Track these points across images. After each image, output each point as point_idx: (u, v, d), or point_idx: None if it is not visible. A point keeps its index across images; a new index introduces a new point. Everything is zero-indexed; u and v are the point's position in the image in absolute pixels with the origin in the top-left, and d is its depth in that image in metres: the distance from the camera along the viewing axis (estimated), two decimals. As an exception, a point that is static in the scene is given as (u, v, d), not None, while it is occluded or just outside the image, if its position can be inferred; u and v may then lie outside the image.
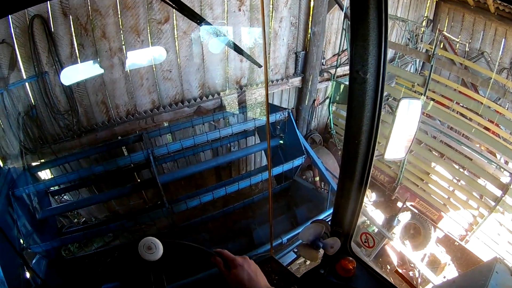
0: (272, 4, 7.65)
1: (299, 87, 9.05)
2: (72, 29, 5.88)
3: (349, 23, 7.00)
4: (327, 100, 9.66)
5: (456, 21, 11.36)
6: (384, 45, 1.57)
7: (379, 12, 1.49)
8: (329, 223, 2.28)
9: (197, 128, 7.46)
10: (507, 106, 8.94)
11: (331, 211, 5.70)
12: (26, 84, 6.11)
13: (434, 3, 11.48)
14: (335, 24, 9.19)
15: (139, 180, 7.77)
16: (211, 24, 3.88)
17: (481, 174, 7.24)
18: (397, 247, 7.65)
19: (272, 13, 7.77)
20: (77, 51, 6.08)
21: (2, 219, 4.91)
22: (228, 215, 6.62)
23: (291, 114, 6.57)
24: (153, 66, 6.87)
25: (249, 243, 5.93)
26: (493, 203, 6.98)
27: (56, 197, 6.80)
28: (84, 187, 7.08)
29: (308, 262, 6.48)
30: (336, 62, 8.97)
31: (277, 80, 8.64)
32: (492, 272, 4.37)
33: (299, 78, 8.87)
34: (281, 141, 6.95)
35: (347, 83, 6.91)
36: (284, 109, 6.56)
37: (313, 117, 9.81)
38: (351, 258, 2.15)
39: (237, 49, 4.76)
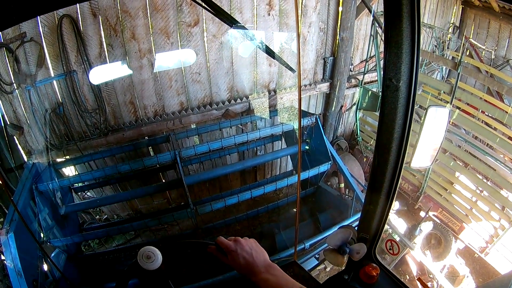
0: (301, 9, 7.59)
1: (326, 92, 8.99)
2: (102, 29, 5.94)
3: (378, 29, 6.96)
4: (354, 107, 9.60)
5: (482, 28, 11.16)
6: (417, 53, 1.59)
7: (412, 20, 1.51)
8: (356, 229, 2.27)
9: (224, 131, 7.53)
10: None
11: (355, 218, 5.68)
12: (54, 82, 6.17)
13: (460, 9, 11.35)
14: (363, 30, 9.11)
15: (164, 180, 7.82)
16: (245, 27, 3.88)
17: (504, 185, 7.12)
18: (418, 256, 7.54)
19: (301, 18, 7.70)
20: (106, 51, 6.14)
21: (24, 212, 4.99)
22: (251, 218, 6.64)
23: (318, 119, 6.54)
24: (182, 68, 6.87)
25: (272, 247, 5.89)
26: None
27: (80, 194, 6.88)
28: (108, 185, 7.13)
29: (328, 269, 6.49)
30: (363, 68, 8.91)
31: (305, 86, 8.58)
32: (510, 284, 4.37)
33: (327, 83, 8.79)
34: (307, 147, 6.91)
35: (374, 89, 6.87)
36: (311, 114, 6.55)
37: (340, 124, 9.73)
38: (375, 265, 2.17)
39: (270, 52, 4.76)
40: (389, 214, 2.07)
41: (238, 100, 7.69)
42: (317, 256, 5.32)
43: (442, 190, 8.23)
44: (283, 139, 7.67)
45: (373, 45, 8.12)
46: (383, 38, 7.98)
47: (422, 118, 2.08)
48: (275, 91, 8.05)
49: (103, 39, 6.04)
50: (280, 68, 7.71)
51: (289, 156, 8.06)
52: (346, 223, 5.52)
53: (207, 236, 6.25)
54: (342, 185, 7.33)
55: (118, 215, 8.10)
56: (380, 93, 6.94)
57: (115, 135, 6.78)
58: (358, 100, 8.23)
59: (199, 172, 7.57)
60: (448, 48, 10.17)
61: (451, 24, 11.36)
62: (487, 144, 7.94)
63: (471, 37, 11.05)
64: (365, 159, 9.40)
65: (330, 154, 6.44)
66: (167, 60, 6.72)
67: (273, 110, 7.88)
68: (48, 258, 5.10)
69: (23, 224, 4.81)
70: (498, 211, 7.28)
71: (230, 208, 6.04)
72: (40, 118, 6.28)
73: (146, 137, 7.06)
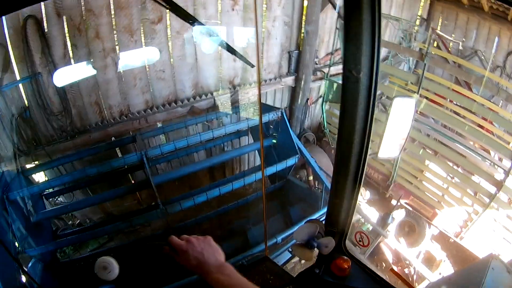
0: (266, 4, 7.66)
1: (292, 86, 9.05)
2: (66, 29, 5.91)
3: (342, 22, 7.05)
4: (320, 99, 9.74)
5: (450, 20, 11.33)
6: (378, 44, 1.59)
7: (372, 12, 1.51)
8: (324, 222, 2.30)
9: (191, 129, 7.44)
10: (500, 103, 8.99)
11: (325, 210, 5.79)
12: (20, 85, 6.12)
13: (428, 2, 11.56)
14: (329, 23, 9.15)
15: (133, 181, 7.76)
16: (203, 25, 3.93)
17: (475, 171, 7.28)
18: (392, 245, 7.60)
19: (265, 12, 7.79)
20: (70, 51, 6.11)
21: None
22: (222, 215, 6.68)
23: (284, 113, 6.59)
24: (146, 66, 6.90)
25: (244, 243, 6.00)
26: (487, 200, 6.99)
27: (50, 200, 6.79)
28: (78, 189, 7.06)
29: (303, 262, 6.55)
30: (329, 61, 9.09)
31: (270, 80, 8.64)
32: (488, 268, 4.35)
33: (292, 77, 8.87)
34: (274, 141, 6.94)
35: (340, 82, 6.96)
36: (277, 108, 6.61)
37: (307, 116, 9.82)
38: (346, 258, 2.17)
39: (230, 49, 4.82)
40: (359, 204, 2.09)
41: (203, 97, 7.71)
42: (290, 249, 5.30)
43: (412, 178, 8.35)
44: (249, 134, 7.66)
45: (338, 38, 8.26)
46: None
47: (388, 109, 2.13)
48: (240, 86, 8.10)
49: (68, 39, 6.03)
50: (244, 63, 7.61)
51: (256, 151, 8.13)
52: (316, 215, 5.59)
53: (179, 236, 6.15)
54: (311, 177, 7.46)
55: (90, 219, 8.00)
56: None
57: (82, 137, 6.75)
58: (324, 93, 8.36)
59: (167, 171, 7.59)
60: (415, 40, 10.32)
61: (418, 17, 11.57)
62: (456, 132, 8.07)
63: (439, 29, 11.23)
64: (333, 150, 9.37)
65: (297, 148, 6.48)
66: (131, 58, 6.69)
67: (238, 106, 7.95)
68: (23, 270, 5.01)
69: None
70: (470, 197, 7.46)
71: (200, 206, 6.04)
72: (7, 124, 6.16)
73: (113, 138, 7.04)
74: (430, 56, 7.50)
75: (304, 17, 8.29)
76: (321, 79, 9.39)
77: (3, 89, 5.97)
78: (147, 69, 6.97)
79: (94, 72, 6.38)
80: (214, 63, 7.64)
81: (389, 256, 7.62)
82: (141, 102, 7.21)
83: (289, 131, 6.57)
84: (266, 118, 6.45)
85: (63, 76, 6.02)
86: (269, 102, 8.87)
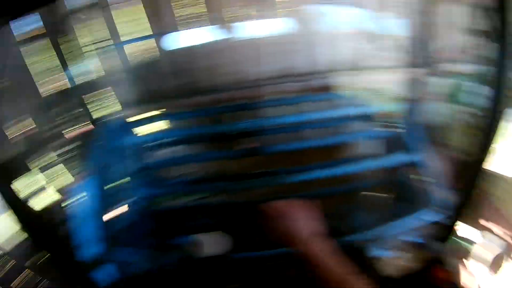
0: None
1: (415, 78, 8.67)
2: None
3: None
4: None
5: None
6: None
7: None
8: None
9: (307, 106, 7.42)
10: None
11: (423, 213, 5.65)
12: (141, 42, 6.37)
13: None
14: (454, 18, 8.59)
15: (242, 147, 7.88)
16: None
17: None
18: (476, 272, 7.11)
19: None
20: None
21: (103, 161, 5.24)
22: (328, 196, 6.26)
23: (414, 108, 6.36)
24: (270, 36, 6.83)
25: (343, 227, 5.94)
26: None
27: (159, 150, 7.14)
28: (188, 144, 7.32)
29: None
30: (451, 59, 8.63)
31: (388, 67, 8.32)
32: None
33: (414, 69, 8.50)
34: (400, 130, 6.79)
35: (459, 81, 6.59)
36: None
37: (424, 114, 9.38)
38: (445, 268, 2.25)
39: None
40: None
41: (323, 74, 7.17)
42: (384, 246, 5.31)
43: None
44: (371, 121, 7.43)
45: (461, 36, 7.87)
46: (475, 32, 7.71)
47: None
48: (365, 69, 7.81)
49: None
50: (376, 46, 7.41)
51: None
52: (415, 215, 5.47)
53: None
54: (424, 178, 7.12)
55: (194, 172, 8.29)
56: (463, 84, 6.53)
57: (194, 98, 6.82)
58: (444, 91, 8.04)
59: (279, 142, 7.60)
60: None
61: None
62: None
63: None
64: (444, 152, 9.00)
65: (419, 144, 6.32)
66: (257, 27, 6.73)
67: (364, 89, 7.68)
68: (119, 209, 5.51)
69: (98, 176, 5.16)
70: None
71: (308, 183, 6.15)
72: (128, 74, 6.52)
73: (232, 102, 7.15)
74: None
75: None
76: (441, 76, 8.97)
77: (124, 43, 6.33)
78: (274, 39, 6.93)
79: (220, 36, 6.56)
80: (336, 41, 7.35)
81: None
82: (265, 71, 7.06)
83: (420, 124, 6.16)
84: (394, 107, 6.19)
85: (181, 39, 6.42)
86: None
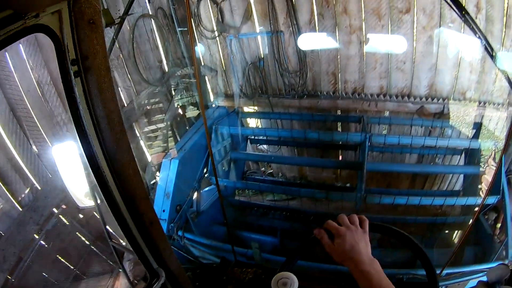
0: (505, 19, 7.17)
1: None
2: None
3: None
4: None
5: None
6: None
7: None
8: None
9: (413, 130, 7.41)
10: None
11: (494, 264, 5.50)
12: (258, 37, 6.82)
13: None
14: None
15: (340, 158, 8.01)
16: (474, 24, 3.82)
17: None
18: None
19: (505, 29, 7.33)
20: (316, 19, 6.54)
21: (197, 147, 5.57)
22: (407, 224, 6.51)
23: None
24: (389, 53, 6.92)
25: (412, 260, 5.61)
26: None
27: (254, 145, 7.48)
28: (285, 145, 7.46)
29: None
30: None
31: (499, 104, 7.57)
32: None
33: None
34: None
35: None
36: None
37: None
38: None
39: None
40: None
41: (435, 100, 7.46)
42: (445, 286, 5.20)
43: None
44: (462, 155, 7.17)
45: None
46: None
47: None
48: (470, 101, 7.54)
49: (315, 8, 6.47)
50: (481, 78, 7.23)
51: (463, 175, 7.59)
52: (485, 266, 5.13)
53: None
54: (499, 225, 7.05)
55: (283, 174, 8.45)
56: None
57: (310, 100, 7.20)
58: None
59: (379, 161, 7.52)
60: None
61: None
62: None
63: None
64: None
65: (501, 188, 6.10)
66: (377, 42, 6.77)
67: (467, 123, 7.68)
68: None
69: (192, 153, 5.47)
70: None
71: (391, 206, 6.12)
72: (237, 66, 7.00)
73: (339, 111, 7.38)
74: None
75: None
76: None
77: (240, 36, 6.78)
78: (389, 56, 6.99)
79: (337, 45, 6.72)
80: (453, 69, 7.25)
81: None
82: (376, 86, 7.29)
83: (501, 166, 6.11)
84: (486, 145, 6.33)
85: (308, 41, 6.60)
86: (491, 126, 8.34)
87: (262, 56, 6.90)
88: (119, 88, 6.20)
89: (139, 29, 6.49)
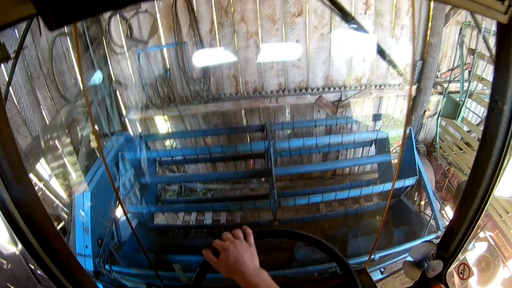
0: (395, 11, 8.26)
1: (413, 96, 9.41)
2: (214, 9, 7.13)
3: (463, 38, 7.70)
4: (437, 114, 10.03)
5: None
6: None
7: None
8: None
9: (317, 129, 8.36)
10: None
11: (427, 238, 6.02)
12: (165, 49, 7.43)
13: None
14: (452, 38, 9.40)
15: (252, 167, 8.60)
16: (357, 25, 4.67)
17: None
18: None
19: (394, 20, 8.38)
20: (216, 28, 7.25)
21: (106, 176, 5.69)
22: (328, 220, 7.15)
23: (412, 132, 7.07)
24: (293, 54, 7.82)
25: (343, 252, 5.92)
26: None
27: (164, 166, 7.81)
28: (194, 163, 8.00)
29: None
30: (449, 77, 9.50)
31: (394, 85, 9.18)
32: None
33: (414, 86, 9.28)
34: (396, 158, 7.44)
35: (457, 98, 7.70)
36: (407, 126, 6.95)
37: (422, 129, 10.30)
38: (443, 286, 2.30)
39: (381, 51, 5.55)
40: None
41: (332, 89, 8.50)
42: (382, 269, 5.81)
43: (503, 212, 8.15)
44: (374, 146, 7.97)
45: (460, 56, 8.86)
46: (471, 51, 8.64)
47: None
48: (365, 86, 8.80)
49: (215, 18, 7.20)
50: (372, 65, 8.58)
51: (377, 164, 8.47)
52: (417, 242, 5.70)
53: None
54: (423, 202, 7.82)
55: (200, 188, 8.82)
56: (461, 102, 7.62)
57: (215, 103, 7.91)
58: (441, 107, 8.99)
59: (288, 165, 8.22)
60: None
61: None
62: None
63: None
64: (439, 167, 9.84)
65: (417, 169, 6.89)
66: (272, 46, 7.87)
67: (371, 114, 8.71)
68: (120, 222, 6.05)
69: (103, 184, 5.61)
70: None
71: (310, 206, 6.73)
72: (146, 78, 7.57)
73: (243, 111, 8.14)
74: None
75: (429, 29, 8.77)
76: (440, 93, 9.79)
77: (148, 50, 7.33)
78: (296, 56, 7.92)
79: (234, 59, 7.61)
80: (345, 60, 8.41)
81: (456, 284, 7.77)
82: (275, 84, 8.23)
83: (413, 150, 6.98)
84: (394, 134, 7.13)
85: (203, 58, 7.46)
86: (389, 108, 9.48)
87: (169, 67, 7.51)
88: (40, 107, 6.29)
89: (57, 47, 6.77)
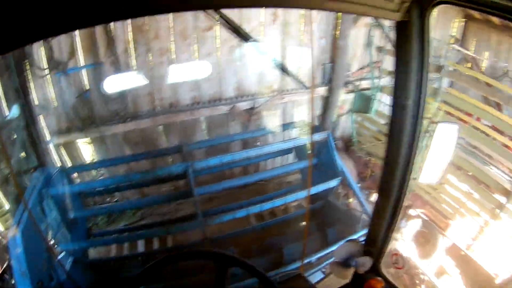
0: (304, 19, 8.84)
1: (325, 96, 10.12)
2: (129, 28, 7.37)
3: (373, 39, 8.43)
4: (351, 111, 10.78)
5: (482, 41, 12.40)
6: (426, 73, 1.84)
7: (421, 41, 1.79)
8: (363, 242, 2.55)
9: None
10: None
11: (362, 233, 6.20)
12: (84, 70, 7.50)
13: (462, 23, 12.92)
14: (361, 39, 10.19)
15: (174, 187, 8.74)
16: (250, 38, 4.98)
17: (498, 188, 7.73)
18: (404, 250, 8.07)
19: (302, 26, 9.06)
20: (131, 47, 7.54)
21: (33, 215, 5.53)
22: (260, 230, 7.35)
23: (330, 135, 7.38)
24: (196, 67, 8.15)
25: (279, 260, 6.57)
26: (498, 211, 7.59)
27: (89, 198, 7.73)
28: (118, 191, 8.00)
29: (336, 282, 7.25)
30: (360, 75, 10.33)
31: (304, 89, 9.77)
32: None
33: (325, 87, 9.98)
34: (317, 161, 7.76)
35: (367, 93, 8.62)
36: (324, 130, 7.53)
37: (339, 126, 11.16)
38: (379, 278, 2.37)
39: (281, 66, 5.87)
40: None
41: (244, 97, 9.02)
42: (323, 270, 5.96)
43: (431, 189, 8.92)
44: (294, 152, 8.47)
45: (369, 55, 9.48)
46: (379, 49, 9.41)
47: (432, 135, 2.45)
48: (277, 92, 9.39)
49: (130, 37, 7.50)
50: (282, 72, 9.09)
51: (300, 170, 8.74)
52: (353, 237, 5.59)
53: (215, 246, 6.45)
54: (351, 200, 8.20)
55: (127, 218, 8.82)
56: (372, 96, 8.39)
57: (134, 122, 8.10)
58: (354, 103, 9.65)
59: (210, 183, 7.96)
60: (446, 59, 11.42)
61: (452, 37, 12.84)
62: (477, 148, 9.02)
63: (473, 50, 12.53)
64: (360, 159, 10.62)
65: (340, 170, 7.22)
66: (184, 73, 8.25)
67: (285, 123, 9.05)
68: (55, 261, 5.88)
69: (31, 226, 5.40)
70: (483, 208, 8.04)
71: (239, 219, 6.82)
72: (68, 101, 7.55)
73: (161, 127, 8.48)
74: (460, 75, 9.23)
75: (337, 33, 9.48)
76: (352, 91, 10.40)
77: (68, 72, 7.33)
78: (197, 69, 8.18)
79: (145, 82, 7.82)
80: (255, 69, 8.89)
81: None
82: (189, 97, 8.59)
83: (333, 152, 7.32)
84: (312, 138, 7.26)
85: (114, 84, 7.55)
86: (303, 109, 10.01)
87: (88, 88, 7.57)
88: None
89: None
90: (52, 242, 6.14)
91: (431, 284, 7.48)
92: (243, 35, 7.53)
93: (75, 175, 7.66)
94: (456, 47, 11.81)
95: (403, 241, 8.35)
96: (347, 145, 11.22)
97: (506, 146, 8.01)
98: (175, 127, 8.87)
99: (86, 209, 7.23)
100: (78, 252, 6.74)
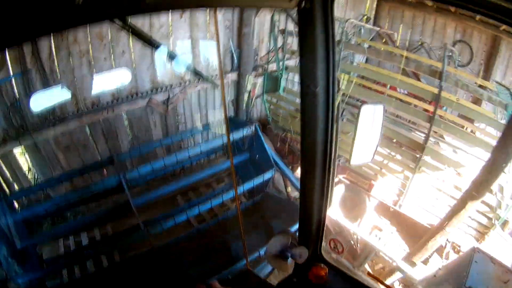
0: (209, 10, 8.98)
1: (236, 81, 11.11)
2: (51, 35, 7.46)
3: (275, 24, 9.09)
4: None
5: (397, 18, 13.60)
6: (333, 58, 1.82)
7: (325, 28, 1.77)
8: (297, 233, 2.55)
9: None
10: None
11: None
12: (13, 79, 7.67)
13: (375, 2, 13.85)
14: (267, 25, 11.14)
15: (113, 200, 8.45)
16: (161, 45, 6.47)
17: (419, 149, 8.25)
18: (333, 215, 7.98)
19: (208, 18, 9.69)
20: (54, 52, 7.85)
21: None
22: (204, 232, 7.55)
23: (258, 128, 7.60)
24: (113, 64, 8.76)
25: (228, 258, 6.71)
26: (414, 165, 8.16)
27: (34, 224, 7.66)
28: (59, 213, 8.16)
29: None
30: (268, 59, 11.46)
31: (216, 75, 10.54)
32: (471, 262, 5.02)
33: (235, 73, 10.97)
34: (250, 155, 8.02)
35: (274, 75, 9.76)
36: (251, 123, 7.67)
37: (254, 109, 12.22)
38: (322, 265, 2.39)
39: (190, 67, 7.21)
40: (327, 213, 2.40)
41: (159, 90, 9.71)
42: None
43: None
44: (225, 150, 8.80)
45: (272, 39, 10.40)
46: (282, 31, 9.94)
47: (357, 117, 2.43)
48: (190, 82, 10.18)
49: (52, 43, 7.84)
50: (193, 63, 9.92)
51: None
52: (297, 225, 6.39)
53: (163, 254, 6.90)
54: (289, 189, 8.43)
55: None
56: (279, 76, 9.43)
57: (61, 124, 8.53)
58: (263, 84, 10.30)
59: (146, 191, 8.05)
60: (359, 36, 12.03)
61: (364, 16, 13.77)
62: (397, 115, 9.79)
63: (386, 27, 13.39)
64: (277, 136, 11.45)
65: (273, 161, 7.42)
66: (106, 81, 8.82)
67: (206, 125, 9.78)
68: None
69: None
70: (406, 167, 8.56)
71: (181, 224, 7.01)
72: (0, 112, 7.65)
73: (87, 127, 8.92)
74: (376, 51, 9.68)
75: (242, 21, 10.23)
76: (262, 75, 11.42)
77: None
78: (113, 67, 8.84)
79: (68, 96, 8.25)
80: (167, 63, 9.58)
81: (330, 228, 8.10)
82: (108, 94, 9.31)
83: (264, 144, 7.53)
84: (240, 134, 7.47)
85: (39, 102, 7.77)
86: (217, 94, 10.99)
87: (18, 96, 7.75)
88: None
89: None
90: (7, 278, 5.88)
91: (365, 242, 7.64)
92: (151, 43, 8.27)
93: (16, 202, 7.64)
94: (367, 26, 12.48)
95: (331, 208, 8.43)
96: (264, 124, 11.93)
97: (426, 110, 8.64)
98: (99, 126, 9.42)
99: (32, 238, 7.10)
100: (34, 283, 6.58)
